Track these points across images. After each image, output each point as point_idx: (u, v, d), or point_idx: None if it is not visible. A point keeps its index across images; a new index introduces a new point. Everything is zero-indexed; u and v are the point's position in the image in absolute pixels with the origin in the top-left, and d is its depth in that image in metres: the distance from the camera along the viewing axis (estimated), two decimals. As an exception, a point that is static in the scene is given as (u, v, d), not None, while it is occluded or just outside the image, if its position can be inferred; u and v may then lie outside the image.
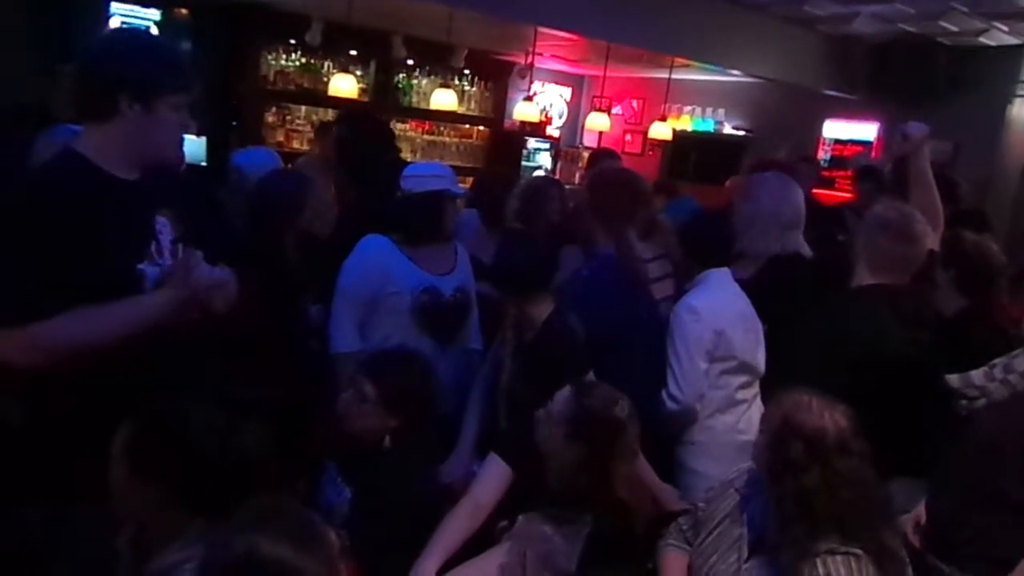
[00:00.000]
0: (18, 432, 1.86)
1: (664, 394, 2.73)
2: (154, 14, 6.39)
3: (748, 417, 2.83)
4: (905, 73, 6.07)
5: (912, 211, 2.77)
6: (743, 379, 2.84)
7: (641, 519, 2.14)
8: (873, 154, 7.04)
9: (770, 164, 5.51)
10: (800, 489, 1.78)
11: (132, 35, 1.94)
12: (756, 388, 2.90)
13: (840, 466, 1.79)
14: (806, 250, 3.21)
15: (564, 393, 2.15)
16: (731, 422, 2.82)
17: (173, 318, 1.84)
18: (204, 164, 6.13)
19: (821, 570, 1.74)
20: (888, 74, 6.22)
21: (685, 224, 3.16)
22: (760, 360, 2.88)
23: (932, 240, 2.85)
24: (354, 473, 2.21)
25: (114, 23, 6.17)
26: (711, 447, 2.79)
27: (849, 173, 7.15)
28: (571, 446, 2.07)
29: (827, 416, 1.83)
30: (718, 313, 2.76)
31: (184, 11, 6.55)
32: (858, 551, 1.76)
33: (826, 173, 7.07)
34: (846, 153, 7.34)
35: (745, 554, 1.95)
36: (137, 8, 6.30)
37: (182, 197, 2.04)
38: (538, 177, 6.25)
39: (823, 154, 7.40)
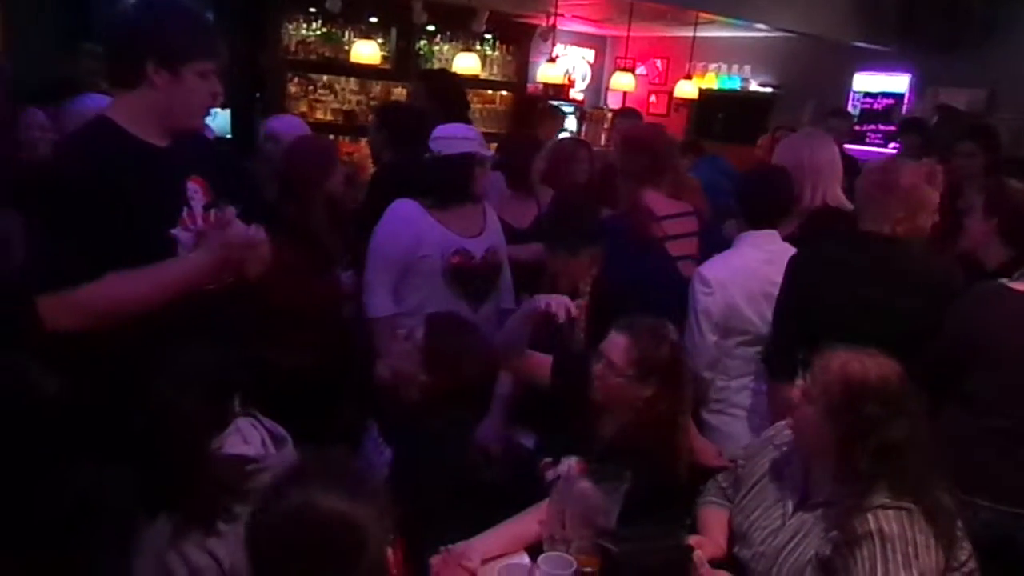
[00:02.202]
0: (54, 398, 1.89)
1: None
2: (173, -14, 6.37)
3: None
4: (938, 21, 5.91)
5: (905, 162, 2.60)
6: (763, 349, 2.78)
7: (683, 473, 2.14)
8: (904, 106, 6.89)
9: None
10: (884, 445, 1.73)
11: (161, 2, 1.94)
12: None
13: (916, 408, 1.76)
14: (846, 203, 3.15)
15: (618, 342, 2.17)
16: (747, 381, 2.80)
17: (209, 280, 1.85)
18: (229, 136, 6.14)
19: (872, 524, 1.70)
20: (919, 22, 6.06)
21: (742, 180, 3.09)
22: None
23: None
24: (394, 433, 2.22)
25: (134, -4, 6.17)
26: (728, 406, 2.79)
27: (880, 127, 7.03)
28: (644, 386, 2.13)
29: (876, 364, 1.78)
30: (733, 286, 2.70)
31: (203, -17, 6.53)
32: (910, 505, 1.72)
33: (856, 127, 6.93)
34: (876, 107, 7.19)
35: (789, 510, 1.93)
36: (156, -19, 6.28)
37: (214, 164, 2.04)
38: (565, 139, 6.18)
39: (853, 108, 7.25)
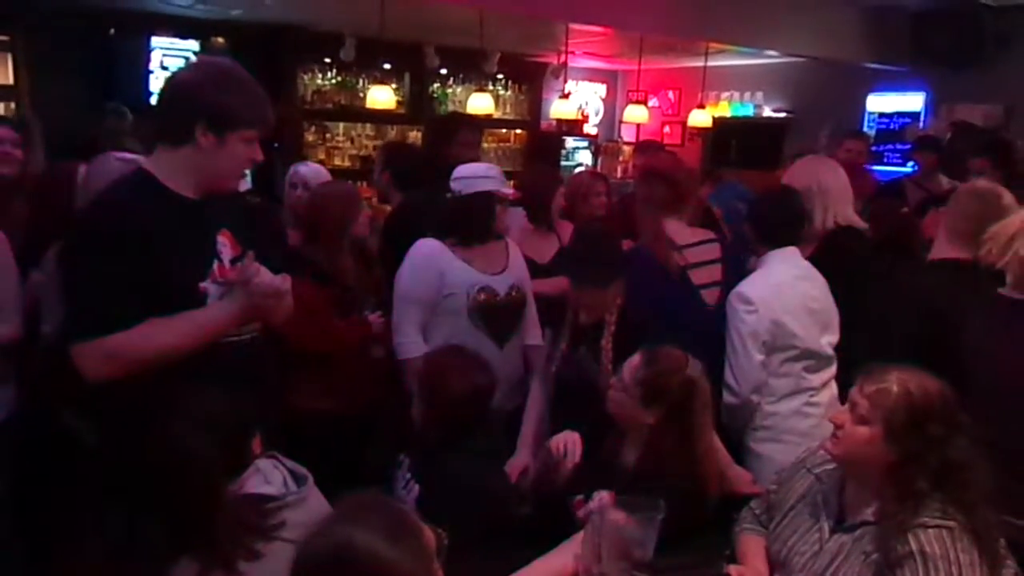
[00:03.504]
0: (93, 449, 1.93)
1: (723, 384, 2.69)
2: (193, 45, 6.54)
3: (818, 399, 2.77)
4: (949, 38, 5.91)
5: (998, 186, 2.67)
6: (808, 363, 2.76)
7: (712, 500, 2.12)
8: (921, 123, 6.88)
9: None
10: (945, 463, 1.71)
11: (218, 67, 1.99)
12: (830, 371, 2.81)
13: (968, 422, 1.73)
14: (859, 223, 3.16)
15: (633, 360, 2.18)
16: (796, 406, 2.76)
17: (236, 327, 1.89)
18: (250, 187, 6.24)
19: (913, 545, 1.67)
20: (932, 41, 6.06)
21: (752, 202, 3.10)
22: (826, 345, 2.79)
23: None
24: (422, 470, 2.23)
25: (155, 57, 6.34)
26: (777, 432, 2.74)
27: (897, 146, 7.02)
28: (648, 411, 2.12)
29: (932, 383, 1.76)
30: (775, 302, 2.69)
31: (221, 40, 6.68)
32: (952, 523, 1.68)
33: (873, 148, 6.92)
34: (892, 127, 7.19)
35: (826, 533, 1.90)
36: (177, 41, 6.46)
37: (240, 217, 2.09)
38: (583, 172, 6.21)
39: (868, 129, 7.24)
